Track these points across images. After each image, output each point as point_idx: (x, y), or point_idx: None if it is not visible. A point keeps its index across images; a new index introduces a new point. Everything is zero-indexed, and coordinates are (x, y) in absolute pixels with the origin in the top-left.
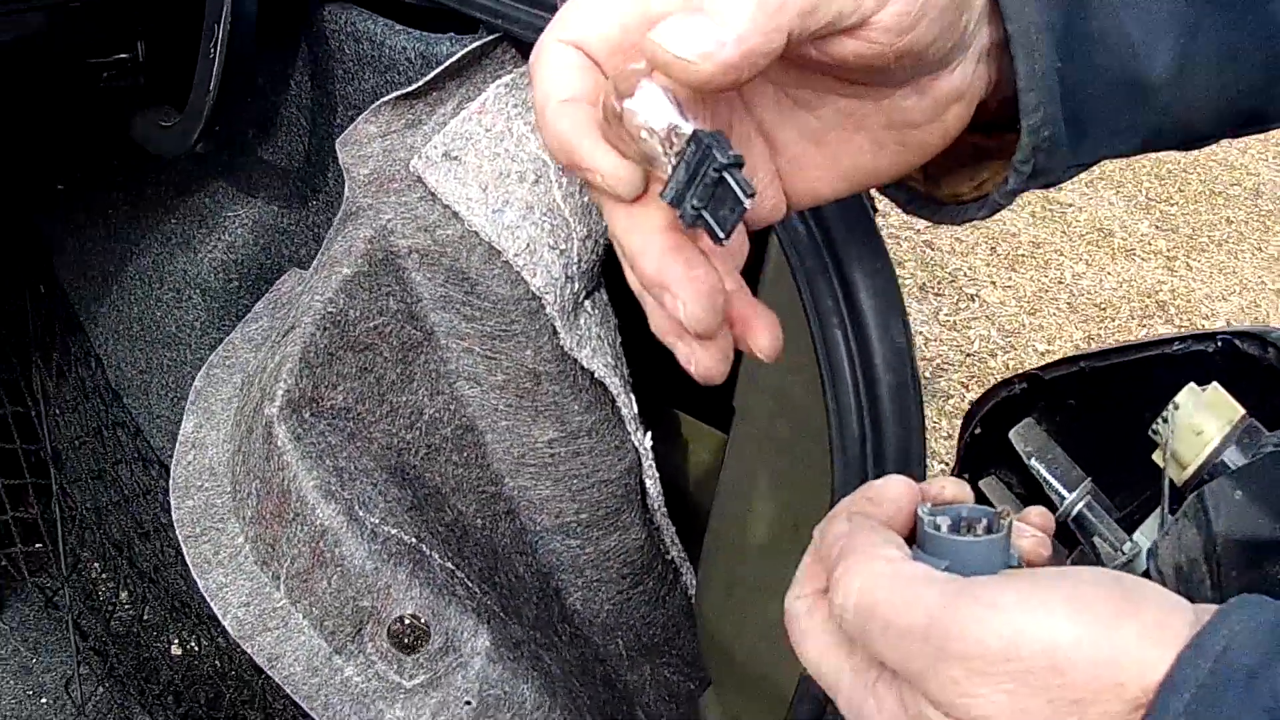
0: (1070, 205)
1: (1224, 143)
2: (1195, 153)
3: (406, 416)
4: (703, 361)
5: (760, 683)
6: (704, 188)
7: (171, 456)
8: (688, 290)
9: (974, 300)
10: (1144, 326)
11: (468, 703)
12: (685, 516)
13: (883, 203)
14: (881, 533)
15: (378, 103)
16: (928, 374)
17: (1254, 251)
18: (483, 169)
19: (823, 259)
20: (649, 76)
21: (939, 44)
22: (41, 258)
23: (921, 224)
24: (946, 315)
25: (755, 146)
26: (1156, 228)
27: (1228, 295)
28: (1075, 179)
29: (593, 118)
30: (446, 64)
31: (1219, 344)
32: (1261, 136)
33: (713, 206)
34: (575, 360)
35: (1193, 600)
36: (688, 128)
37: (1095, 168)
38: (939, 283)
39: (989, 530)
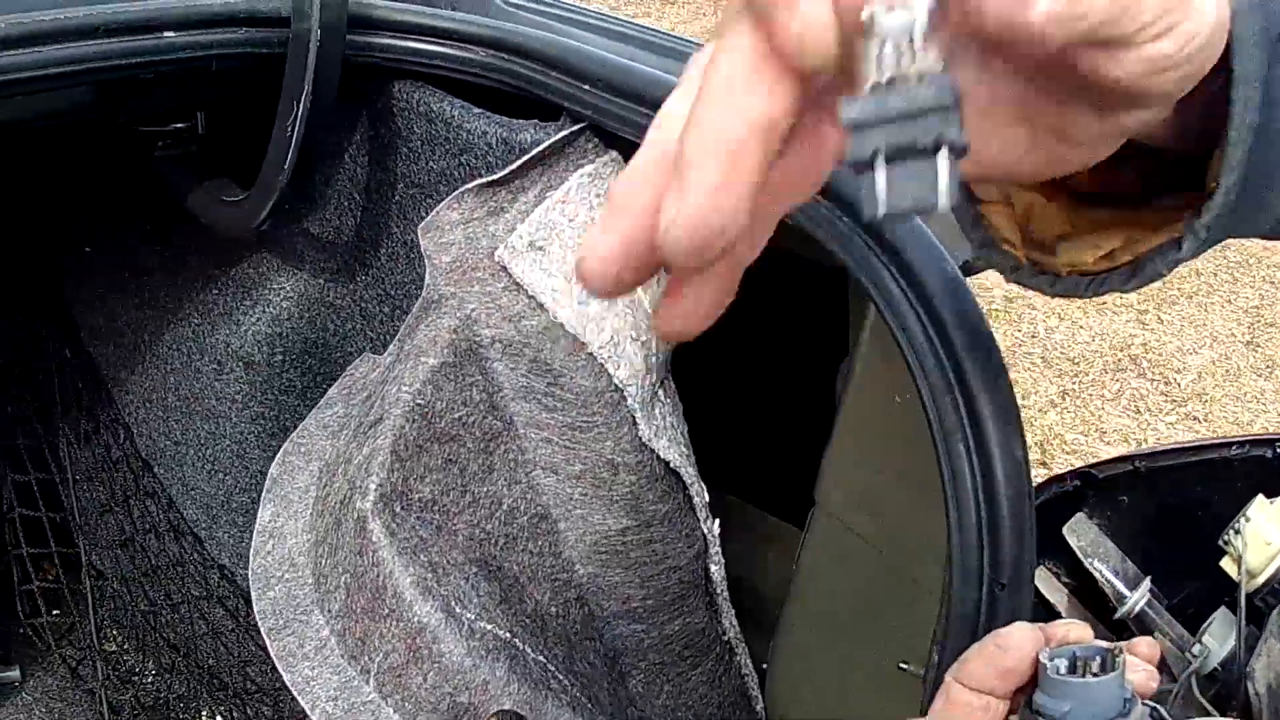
0: None
1: None
2: None
3: (487, 507)
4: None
5: None
6: (909, 140)
7: (207, 530)
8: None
9: None
10: (1117, 381)
11: None
12: (739, 599)
13: None
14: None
15: (461, 190)
16: None
17: (1223, 304)
18: (567, 260)
19: (947, 377)
20: None
21: (1188, 87)
22: (69, 323)
23: None
24: None
25: None
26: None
27: (1198, 348)
28: None
29: None
30: (533, 152)
31: (1277, 450)
32: None
33: (897, 172)
34: (652, 450)
35: None
36: (941, 70)
37: None
38: None
39: (1104, 667)
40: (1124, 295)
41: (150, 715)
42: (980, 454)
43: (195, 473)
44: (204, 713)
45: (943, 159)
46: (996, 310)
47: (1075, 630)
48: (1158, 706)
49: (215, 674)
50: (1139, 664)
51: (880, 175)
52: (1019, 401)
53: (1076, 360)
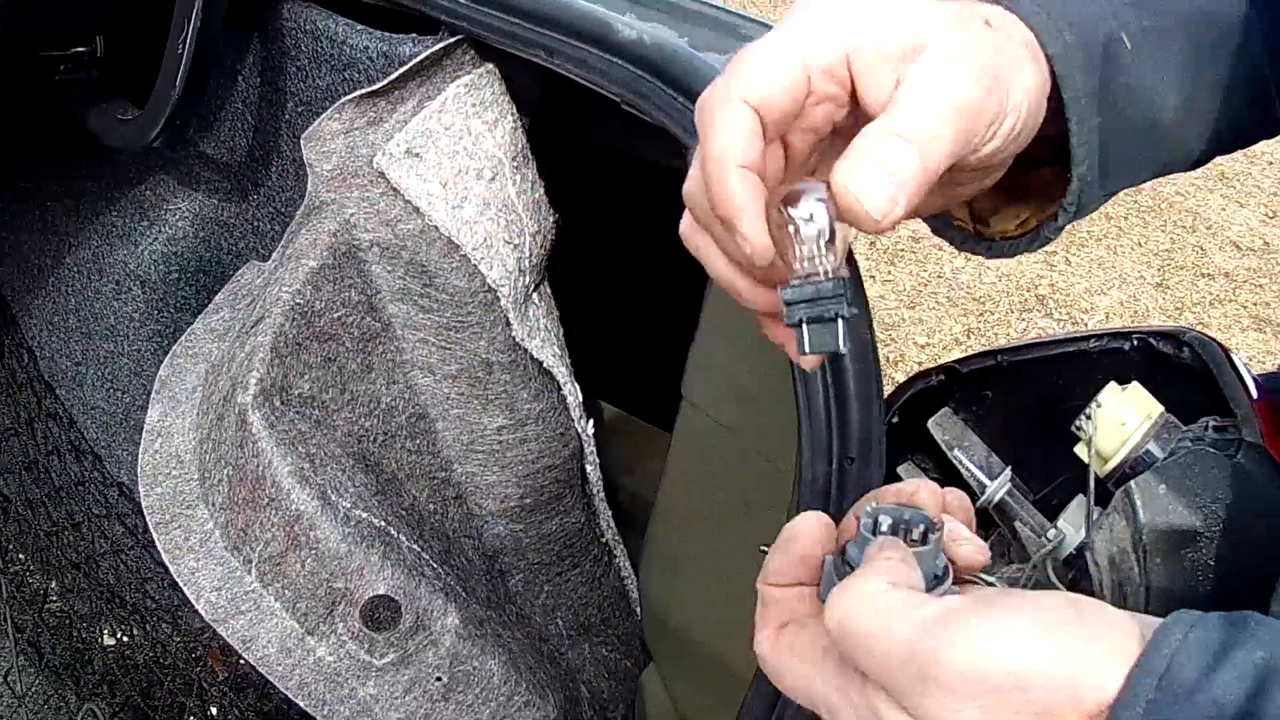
0: None
1: None
2: None
3: (366, 405)
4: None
5: (704, 658)
6: (819, 314)
7: (105, 448)
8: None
9: None
10: (1023, 320)
11: (439, 679)
12: (617, 503)
13: None
14: (883, 561)
15: (342, 100)
16: None
17: (1134, 247)
18: (442, 165)
19: None
20: (816, 192)
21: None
22: None
23: None
24: None
25: None
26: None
27: (1106, 289)
28: None
29: (761, 193)
30: (410, 64)
31: (1135, 343)
32: None
33: (814, 329)
34: (526, 350)
35: (1123, 587)
36: (834, 263)
37: None
38: None
39: (924, 539)
40: None
41: (54, 635)
42: None
43: (95, 392)
44: (105, 631)
45: (842, 326)
46: (903, 250)
47: (923, 493)
48: (984, 577)
49: (116, 592)
50: (964, 536)
51: (805, 331)
52: (924, 340)
53: (983, 300)
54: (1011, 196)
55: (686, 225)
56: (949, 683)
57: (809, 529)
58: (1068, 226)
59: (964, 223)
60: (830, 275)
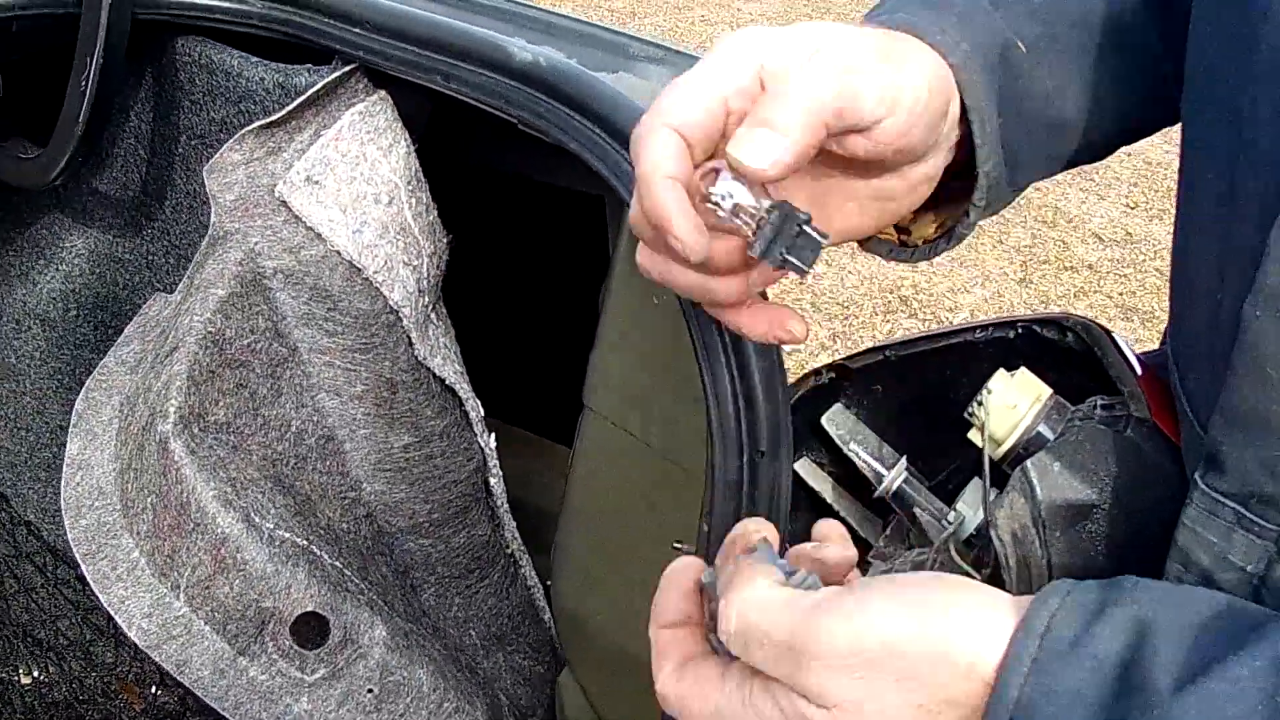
0: None
1: None
2: None
3: (278, 429)
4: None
5: (617, 661)
6: (788, 239)
7: (12, 488)
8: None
9: None
10: (888, 322)
11: (370, 690)
12: (518, 515)
13: None
14: (751, 570)
15: (241, 131)
16: None
17: (995, 244)
18: (341, 192)
19: None
20: (727, 170)
21: (924, 144)
22: None
23: None
24: None
25: None
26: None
27: (970, 287)
28: None
29: (685, 197)
30: (308, 93)
31: (1019, 330)
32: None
33: (796, 251)
34: (428, 369)
35: (1026, 561)
36: (768, 202)
37: None
38: None
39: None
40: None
41: None
42: (731, 332)
43: None
44: (21, 670)
45: (809, 229)
46: None
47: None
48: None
49: (29, 631)
50: (836, 540)
51: (793, 259)
52: (789, 347)
53: (846, 304)
54: (928, 206)
55: (642, 256)
56: (827, 659)
57: (684, 567)
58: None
59: (889, 235)
60: (772, 207)
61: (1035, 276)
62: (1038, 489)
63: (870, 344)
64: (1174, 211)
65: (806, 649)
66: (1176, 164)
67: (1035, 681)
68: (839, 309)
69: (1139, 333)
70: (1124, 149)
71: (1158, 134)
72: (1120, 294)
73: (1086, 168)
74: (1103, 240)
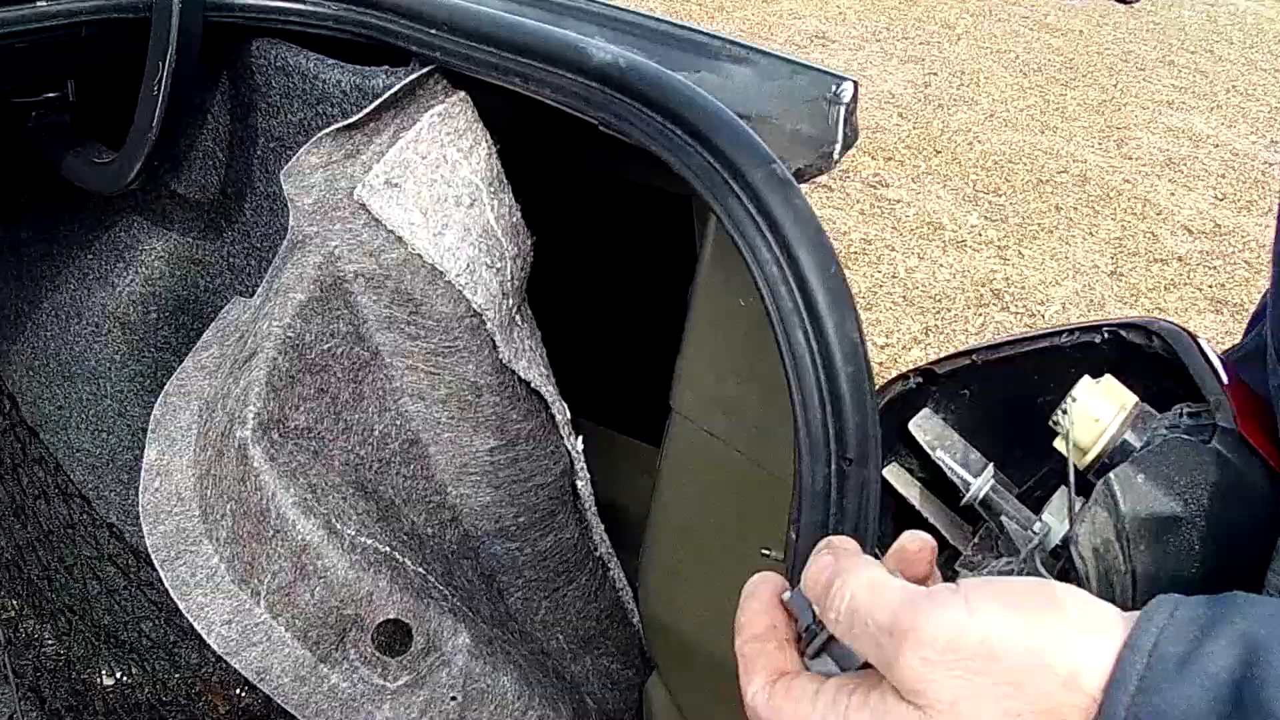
0: (899, 201)
1: (1048, 130)
2: (1020, 143)
3: (360, 434)
4: None
5: (705, 665)
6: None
7: (94, 490)
8: None
9: None
10: (980, 315)
11: (454, 698)
12: (607, 517)
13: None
14: (857, 557)
15: (319, 135)
16: None
17: (1085, 236)
18: (421, 195)
19: (781, 268)
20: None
21: None
22: None
23: None
24: None
25: None
26: (986, 218)
27: (1061, 280)
28: (901, 176)
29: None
30: (385, 95)
31: (1106, 335)
32: (1086, 123)
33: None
34: (513, 371)
35: (1109, 576)
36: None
37: (921, 161)
38: None
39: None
40: (982, 234)
41: (53, 678)
42: (818, 336)
43: (80, 435)
44: (104, 671)
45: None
46: (855, 253)
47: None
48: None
49: (112, 632)
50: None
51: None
52: (883, 340)
53: (938, 298)
54: None
55: None
56: (926, 649)
57: (763, 580)
58: (1015, 219)
59: None
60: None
61: (1125, 269)
62: (1121, 502)
63: (963, 338)
64: (1269, 205)
65: (907, 636)
66: (1264, 155)
67: (1144, 700)
68: (931, 303)
69: (1229, 325)
70: (1212, 139)
71: (1244, 122)
72: (1210, 286)
73: (1175, 159)
74: (1191, 232)
